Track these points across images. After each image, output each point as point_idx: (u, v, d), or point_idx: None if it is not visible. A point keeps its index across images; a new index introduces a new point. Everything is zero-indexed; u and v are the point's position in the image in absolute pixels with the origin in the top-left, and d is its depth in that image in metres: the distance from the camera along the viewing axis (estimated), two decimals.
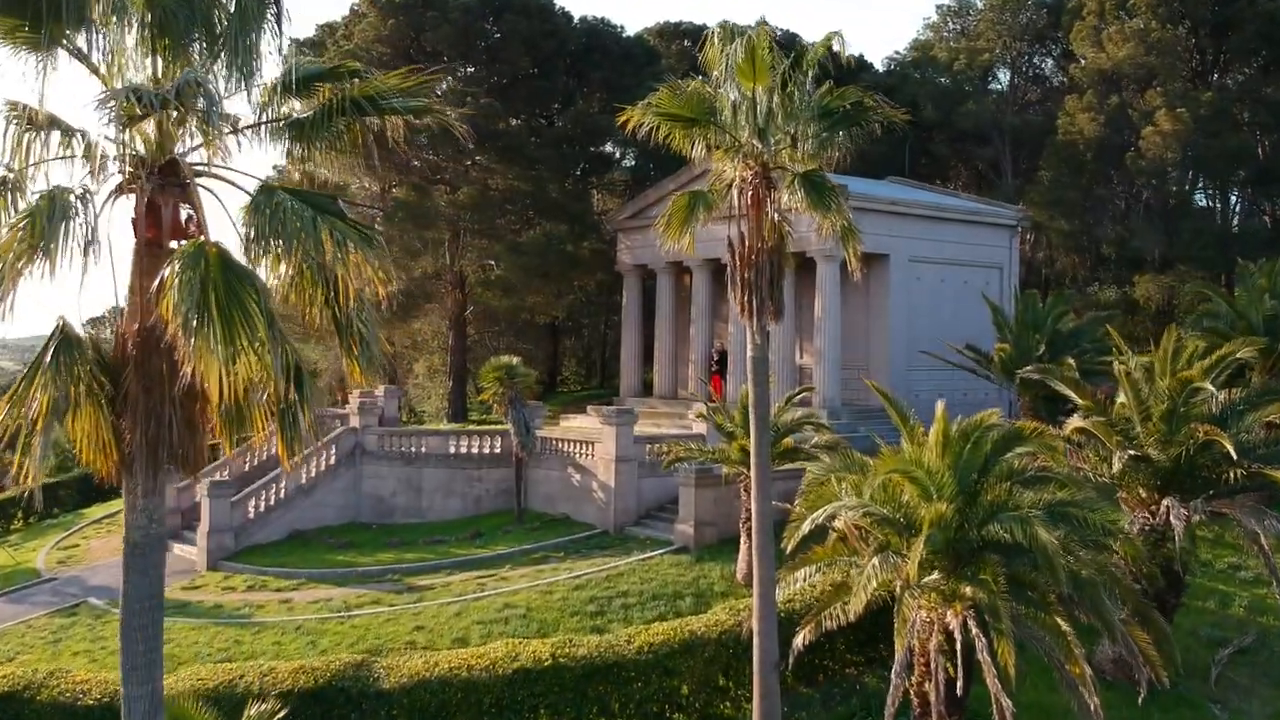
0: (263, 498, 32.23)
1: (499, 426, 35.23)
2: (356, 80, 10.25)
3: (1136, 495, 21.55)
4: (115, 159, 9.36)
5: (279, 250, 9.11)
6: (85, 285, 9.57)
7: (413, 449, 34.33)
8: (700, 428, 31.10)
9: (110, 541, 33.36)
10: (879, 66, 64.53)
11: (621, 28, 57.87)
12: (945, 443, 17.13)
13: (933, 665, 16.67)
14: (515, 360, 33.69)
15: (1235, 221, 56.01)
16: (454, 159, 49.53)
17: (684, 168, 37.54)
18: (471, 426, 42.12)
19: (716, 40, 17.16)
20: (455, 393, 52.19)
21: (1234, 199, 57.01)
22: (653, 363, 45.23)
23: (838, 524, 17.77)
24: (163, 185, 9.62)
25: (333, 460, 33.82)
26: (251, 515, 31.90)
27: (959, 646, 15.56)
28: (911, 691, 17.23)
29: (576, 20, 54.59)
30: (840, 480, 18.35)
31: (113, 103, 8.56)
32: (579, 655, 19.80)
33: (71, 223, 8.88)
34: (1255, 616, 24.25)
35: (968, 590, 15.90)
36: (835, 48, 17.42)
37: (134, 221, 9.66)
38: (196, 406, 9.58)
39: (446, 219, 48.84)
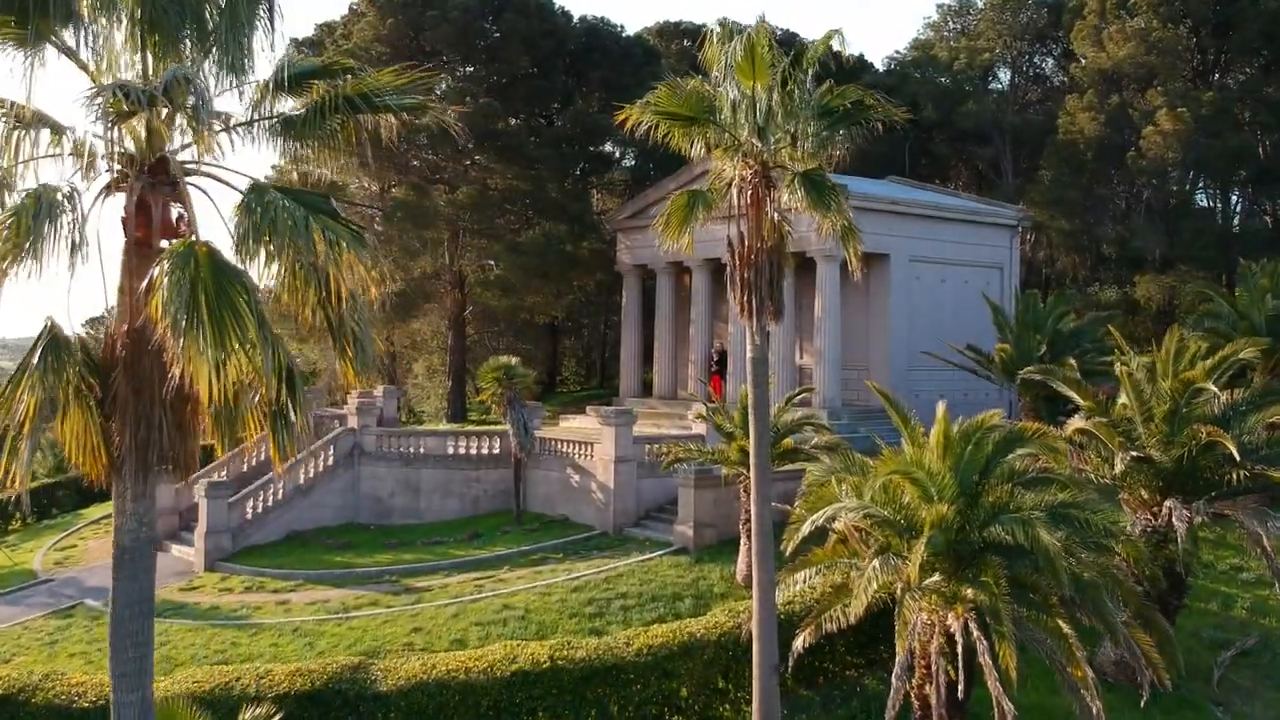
0: (260, 498, 32.12)
1: (498, 427, 35.11)
2: (350, 77, 10.12)
3: (1138, 496, 21.44)
4: (104, 157, 9.21)
5: (270, 250, 8.98)
6: (79, 285, 9.46)
7: (411, 449, 34.20)
8: (700, 428, 30.98)
9: (108, 542, 32.93)
10: (879, 66, 64.46)
11: (621, 27, 57.76)
12: (946, 444, 17.03)
13: (934, 668, 16.57)
14: (514, 360, 33.56)
15: (1236, 221, 55.88)
16: (453, 159, 49.42)
17: (684, 167, 37.44)
18: (470, 427, 42.00)
19: (716, 38, 17.07)
20: (454, 393, 52.08)
21: (1235, 199, 56.88)
22: (652, 363, 45.11)
23: (838, 525, 17.67)
24: (153, 184, 9.48)
25: (331, 461, 33.70)
26: (249, 516, 31.79)
27: (960, 649, 15.48)
28: (912, 694, 17.14)
29: (576, 20, 54.48)
30: (840, 481, 18.25)
31: (100, 99, 8.42)
32: (577, 657, 19.70)
33: (58, 221, 8.73)
34: (1258, 618, 24.15)
35: (969, 592, 15.80)
36: (835, 46, 17.33)
37: (123, 220, 9.53)
38: (187, 408, 9.44)
39: (445, 219, 48.72)
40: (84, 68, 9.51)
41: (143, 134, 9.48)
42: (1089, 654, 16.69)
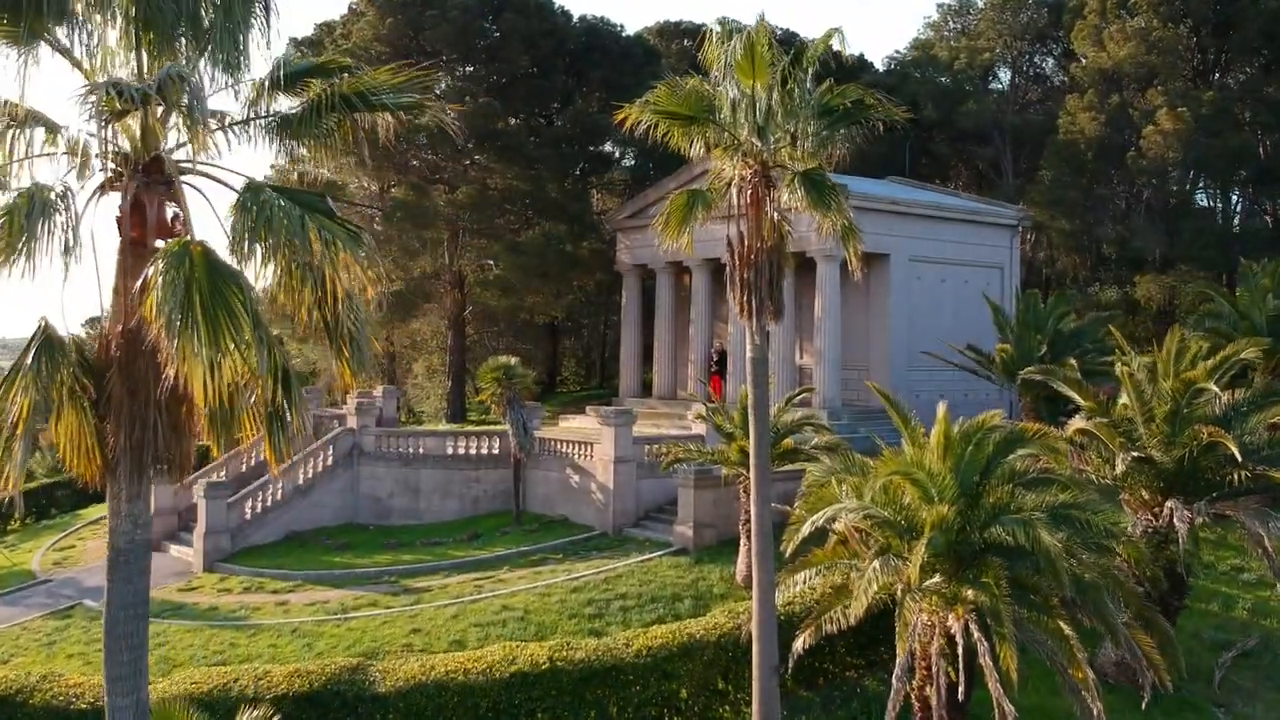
0: (259, 499, 32.07)
1: (497, 427, 35.05)
2: (347, 76, 10.04)
3: (1139, 497, 21.38)
4: (98, 156, 9.14)
5: (266, 250, 8.90)
6: (78, 286, 9.41)
7: (410, 450, 34.14)
8: (699, 428, 30.92)
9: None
10: (879, 66, 64.42)
11: (621, 27, 57.72)
12: (947, 444, 16.97)
13: (934, 669, 16.51)
14: (513, 361, 33.50)
15: (1236, 221, 55.85)
16: (453, 158, 49.37)
17: (684, 167, 37.38)
18: (470, 427, 41.95)
19: (715, 37, 17.01)
20: (454, 393, 52.03)
21: (1235, 199, 56.85)
22: (652, 363, 45.05)
23: (838, 526, 17.61)
24: (147, 183, 9.41)
25: (330, 461, 33.64)
26: (248, 516, 31.73)
27: (960, 650, 15.42)
28: (913, 695, 17.09)
29: (576, 19, 54.43)
30: (841, 482, 18.19)
31: (94, 97, 8.35)
32: (577, 659, 19.64)
33: (50, 220, 8.66)
34: (1259, 619, 24.09)
35: (969, 593, 15.75)
36: (835, 46, 17.28)
37: (118, 220, 9.46)
38: (183, 409, 9.37)
39: (445, 219, 48.67)
40: (78, 66, 9.45)
41: (137, 133, 9.41)
42: (1089, 655, 16.62)
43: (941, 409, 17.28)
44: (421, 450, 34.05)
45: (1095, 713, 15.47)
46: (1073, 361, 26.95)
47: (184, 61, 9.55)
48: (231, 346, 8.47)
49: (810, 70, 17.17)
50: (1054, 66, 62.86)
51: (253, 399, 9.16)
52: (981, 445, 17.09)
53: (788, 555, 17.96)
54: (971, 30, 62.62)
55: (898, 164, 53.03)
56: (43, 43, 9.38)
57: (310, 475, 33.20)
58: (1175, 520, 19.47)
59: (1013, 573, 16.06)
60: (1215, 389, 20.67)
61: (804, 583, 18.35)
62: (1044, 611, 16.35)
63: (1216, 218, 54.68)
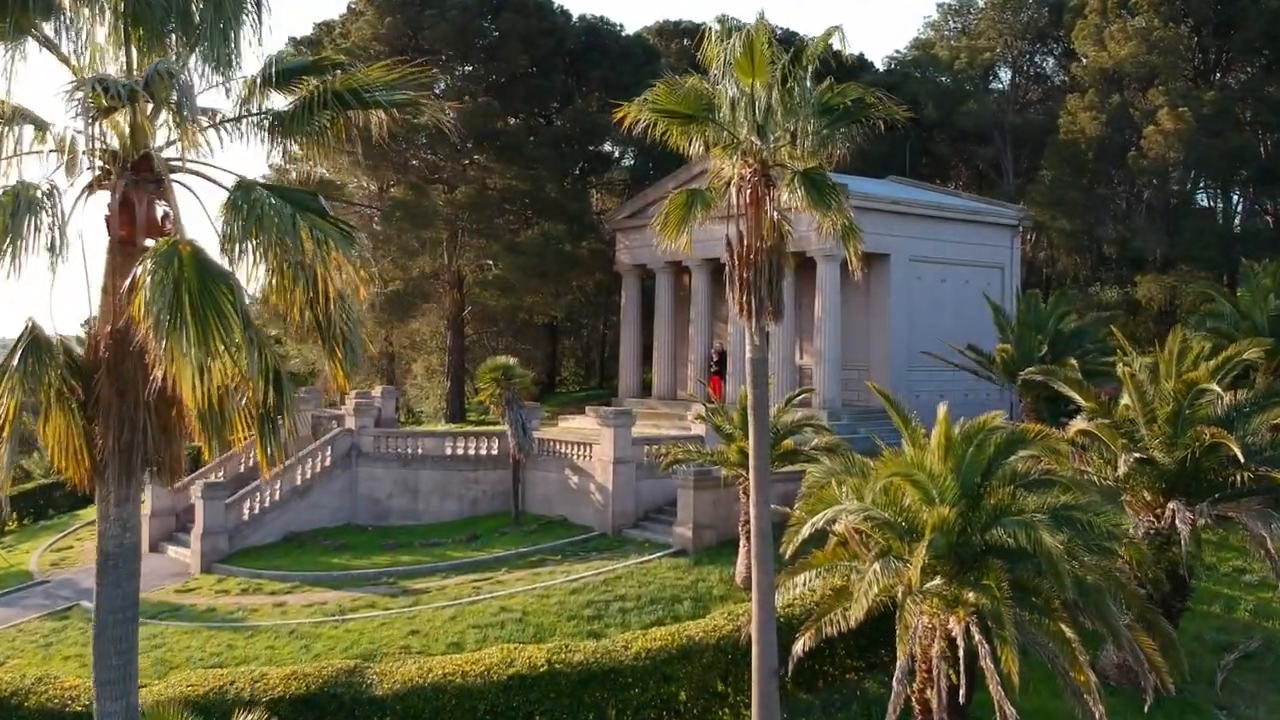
0: (257, 499, 31.94)
1: (496, 428, 34.93)
2: (340, 73, 9.90)
3: (1141, 498, 21.26)
4: (85, 153, 9.00)
5: (257, 249, 8.77)
6: (68, 287, 9.25)
7: (409, 450, 34.02)
8: (699, 429, 30.80)
9: None
10: (879, 65, 64.27)
11: (620, 26, 57.61)
12: (948, 445, 16.87)
13: (935, 672, 16.41)
14: (512, 361, 33.41)
15: (1237, 221, 55.75)
16: (452, 158, 49.26)
17: (683, 167, 37.27)
18: (469, 427, 41.83)
19: (714, 35, 16.88)
20: (453, 393, 51.91)
21: (1236, 199, 56.74)
22: (652, 363, 44.93)
23: (838, 528, 17.51)
24: (137, 181, 9.28)
25: (328, 462, 33.53)
26: (246, 517, 31.61)
27: (961, 653, 15.33)
28: (913, 698, 17.00)
29: (575, 19, 54.32)
30: (840, 483, 18.09)
31: (80, 94, 8.22)
32: (575, 661, 19.54)
33: (37, 219, 8.52)
34: (1261, 621, 23.97)
35: (971, 596, 15.65)
36: (835, 45, 17.15)
37: (107, 219, 9.33)
38: (173, 411, 9.24)
39: (444, 218, 48.56)
40: (66, 62, 9.32)
41: (126, 130, 9.28)
42: (1091, 657, 16.53)
43: (942, 410, 17.17)
44: (420, 451, 33.93)
45: (1097, 715, 15.38)
46: (1074, 362, 26.85)
47: (174, 58, 9.41)
48: (221, 347, 8.33)
49: (810, 69, 17.04)
50: (1054, 66, 62.74)
51: (244, 401, 9.04)
52: (983, 446, 16.99)
53: (787, 557, 17.86)
54: (972, 30, 62.50)
55: (898, 164, 52.92)
56: (30, 38, 9.25)
57: (308, 476, 33.08)
58: (1177, 522, 19.36)
59: (1014, 575, 15.97)
60: (1218, 389, 20.54)
61: (804, 585, 18.24)
62: (1045, 614, 16.24)
63: (1217, 218, 54.57)
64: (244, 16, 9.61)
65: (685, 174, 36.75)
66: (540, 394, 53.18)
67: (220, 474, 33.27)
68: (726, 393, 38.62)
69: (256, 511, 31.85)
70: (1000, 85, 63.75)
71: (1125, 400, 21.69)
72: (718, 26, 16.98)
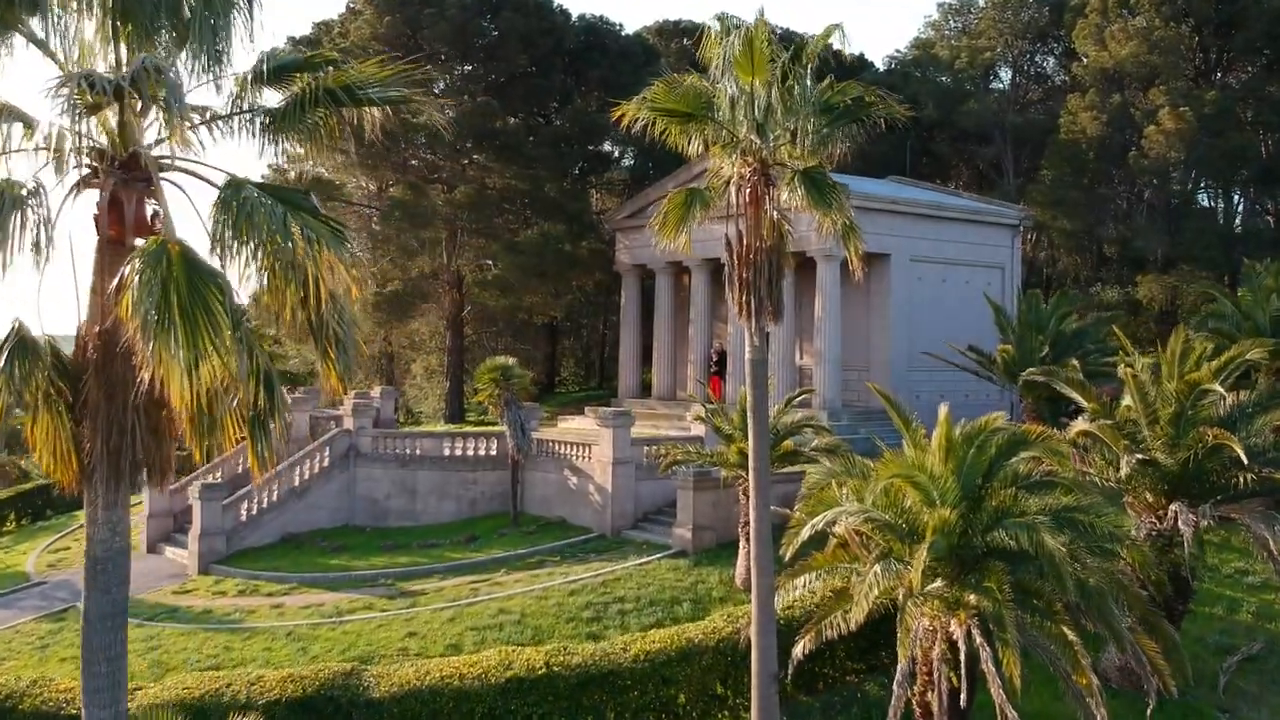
0: (255, 500, 31.81)
1: (495, 428, 34.80)
2: (332, 69, 9.76)
3: (1143, 500, 21.12)
4: (72, 151, 8.86)
5: (248, 248, 8.63)
6: (61, 287, 9.11)
7: (407, 451, 33.89)
8: (699, 430, 30.66)
9: None
10: (879, 65, 64.18)
11: (620, 26, 57.51)
12: (949, 447, 16.74)
13: (936, 675, 16.28)
14: (511, 361, 33.29)
15: (1238, 221, 55.67)
16: (451, 158, 49.16)
17: (683, 167, 37.13)
18: (468, 428, 41.73)
19: (714, 33, 16.76)
20: (452, 393, 51.79)
21: (1237, 199, 56.66)
22: (651, 363, 44.81)
23: (838, 529, 17.39)
24: (126, 179, 9.14)
25: (326, 462, 33.41)
26: (244, 518, 31.49)
27: (963, 656, 15.22)
28: (914, 701, 16.86)
29: (574, 18, 54.20)
30: (841, 485, 17.97)
31: (65, 90, 8.07)
32: (574, 663, 19.41)
33: (21, 215, 8.37)
34: (1263, 623, 23.82)
35: (972, 598, 15.52)
36: (835, 44, 17.06)
37: (96, 218, 9.19)
38: (162, 414, 9.10)
39: (443, 218, 48.45)
40: (54, 58, 9.18)
41: (115, 127, 9.14)
42: (1093, 660, 16.39)
43: (943, 411, 17.04)
44: (419, 451, 33.80)
45: (1099, 718, 15.25)
46: (1075, 362, 26.70)
47: (164, 55, 9.26)
48: (210, 348, 8.18)
49: (810, 67, 16.91)
50: (1055, 66, 62.62)
51: (234, 403, 8.89)
52: (984, 448, 16.87)
53: (787, 559, 17.74)
54: (972, 29, 62.38)
55: (898, 164, 52.81)
56: (17, 34, 9.11)
57: (306, 477, 32.96)
58: (1180, 523, 19.21)
59: (1015, 577, 15.85)
60: (1221, 390, 20.40)
61: (804, 587, 18.12)
62: (1047, 616, 16.12)
63: (1218, 218, 54.50)
64: (235, 14, 9.48)
65: (685, 174, 36.61)
66: (539, 394, 53.06)
67: (218, 475, 33.15)
68: (726, 393, 38.48)
69: (254, 512, 31.72)
70: (1001, 85, 63.65)
71: (1127, 401, 21.55)
72: (717, 25, 16.87)
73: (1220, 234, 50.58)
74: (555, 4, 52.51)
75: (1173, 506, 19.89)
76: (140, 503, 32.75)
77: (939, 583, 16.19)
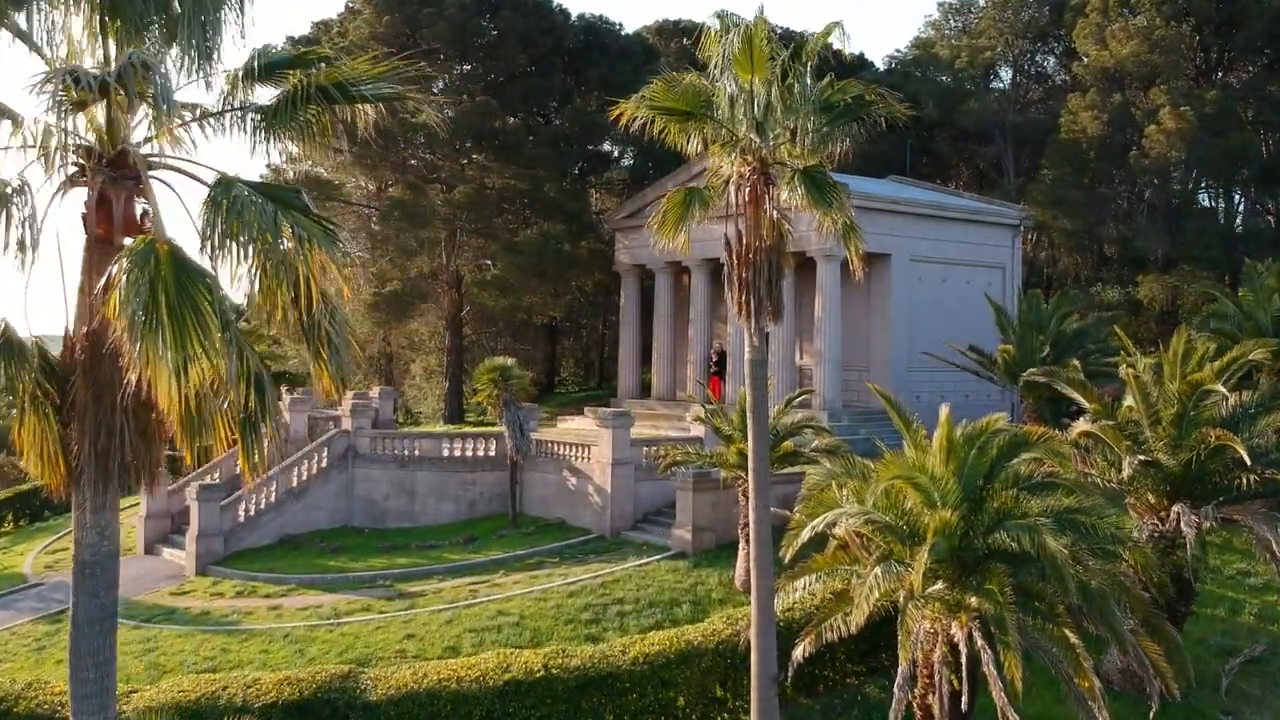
0: (253, 501, 31.68)
1: (494, 429, 34.68)
2: (325, 66, 9.62)
3: (1145, 501, 20.99)
4: (58, 149, 8.71)
5: (238, 247, 8.49)
6: (51, 287, 8.97)
7: (406, 452, 33.76)
8: (698, 430, 30.54)
9: None
10: (879, 65, 64.04)
11: (620, 25, 57.39)
12: (950, 448, 16.61)
13: (937, 677, 16.13)
14: (510, 361, 33.18)
15: (1239, 221, 55.56)
16: (450, 157, 49.05)
17: (683, 166, 36.99)
18: (467, 428, 41.61)
19: (713, 32, 16.64)
20: (452, 394, 51.68)
21: (1238, 198, 56.55)
22: (651, 364, 44.69)
23: (838, 531, 17.26)
24: (114, 177, 9.00)
25: (324, 463, 33.28)
26: (241, 519, 31.37)
27: (964, 658, 15.10)
28: (915, 704, 16.74)
29: (574, 17, 54.09)
30: (841, 486, 17.84)
31: (50, 86, 7.93)
32: (572, 666, 19.29)
33: (3, 214, 8.22)
34: (1266, 625, 23.68)
35: (973, 601, 15.38)
36: (836, 43, 16.93)
37: (84, 216, 9.06)
38: (151, 416, 8.96)
39: (443, 218, 48.32)
40: (40, 54, 9.04)
41: (103, 125, 9.00)
42: (1095, 662, 16.26)
43: (944, 412, 16.92)
44: (417, 452, 33.68)
45: None
46: (1076, 363, 26.57)
47: (154, 51, 9.12)
48: (199, 349, 8.04)
49: (810, 65, 16.78)
50: (1056, 65, 62.49)
51: (225, 405, 8.75)
52: (985, 449, 16.74)
53: (787, 560, 17.62)
54: (972, 29, 62.25)
55: (899, 163, 52.69)
56: (2, 29, 8.96)
57: (304, 477, 32.84)
58: (1183, 525, 19.06)
59: (1017, 579, 15.72)
60: (1223, 391, 20.26)
61: (804, 589, 18.00)
62: (1049, 619, 15.99)
63: (1219, 217, 54.38)
64: (226, 10, 9.33)
65: (685, 173, 36.46)
66: (539, 395, 52.95)
67: (216, 475, 33.05)
68: (726, 393, 38.36)
69: (252, 513, 31.60)
70: (1001, 84, 63.53)
71: (1129, 402, 21.41)
72: (716, 23, 16.74)
73: (1221, 234, 50.45)
74: (555, 3, 52.41)
75: (1175, 508, 19.75)
76: (135, 504, 32.65)
77: (940, 585, 16.06)
